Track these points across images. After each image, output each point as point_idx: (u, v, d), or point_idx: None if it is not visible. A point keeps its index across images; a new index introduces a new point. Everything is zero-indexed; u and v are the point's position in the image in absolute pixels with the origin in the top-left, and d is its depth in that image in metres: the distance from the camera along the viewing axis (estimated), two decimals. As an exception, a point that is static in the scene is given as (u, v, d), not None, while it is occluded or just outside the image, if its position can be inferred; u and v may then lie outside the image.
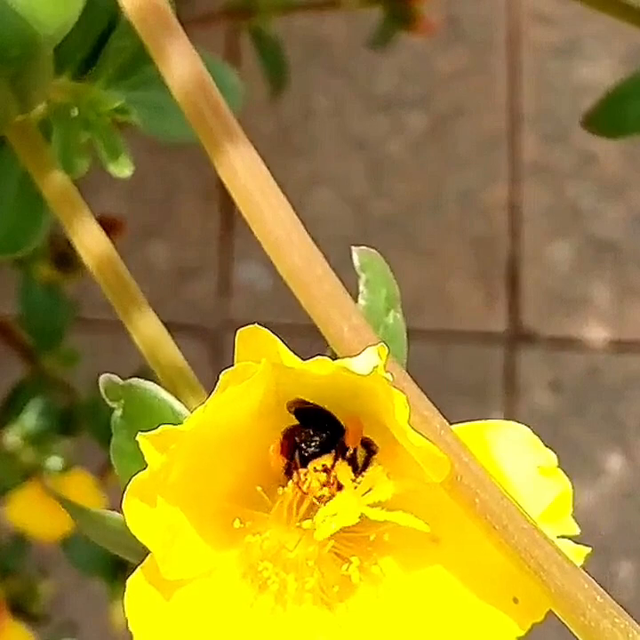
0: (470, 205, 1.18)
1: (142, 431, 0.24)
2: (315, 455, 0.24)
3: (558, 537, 0.23)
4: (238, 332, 0.22)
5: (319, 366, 0.22)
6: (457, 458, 0.23)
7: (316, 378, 0.23)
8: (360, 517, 0.24)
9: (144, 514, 0.22)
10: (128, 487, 0.22)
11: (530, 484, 0.24)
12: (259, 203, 0.26)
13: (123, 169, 0.34)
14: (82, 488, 0.77)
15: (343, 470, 0.24)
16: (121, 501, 0.25)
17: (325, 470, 0.24)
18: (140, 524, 0.22)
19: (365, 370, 0.22)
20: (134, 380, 0.26)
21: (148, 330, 0.29)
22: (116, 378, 0.26)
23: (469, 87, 1.20)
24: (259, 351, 0.22)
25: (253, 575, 0.24)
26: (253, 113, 1.08)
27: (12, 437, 0.74)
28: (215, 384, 0.22)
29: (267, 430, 0.25)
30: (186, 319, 1.07)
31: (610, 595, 0.21)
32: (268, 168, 0.27)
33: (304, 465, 0.24)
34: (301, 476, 0.24)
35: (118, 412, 0.26)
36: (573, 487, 0.24)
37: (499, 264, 1.17)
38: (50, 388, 0.77)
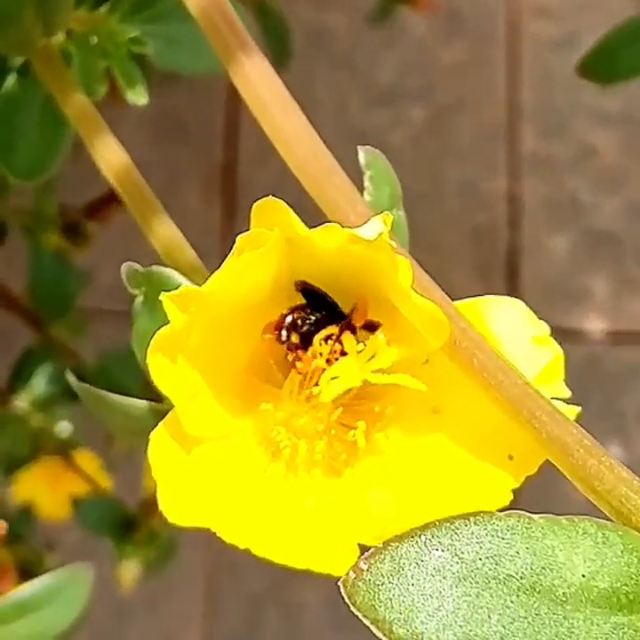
0: (470, 197, 1.19)
1: (163, 314, 0.25)
2: (320, 327, 0.25)
3: (552, 399, 0.25)
4: (254, 204, 0.24)
5: (329, 233, 0.24)
6: (456, 324, 0.24)
7: (324, 251, 0.25)
8: (363, 384, 0.25)
9: (166, 368, 0.24)
10: (151, 342, 0.24)
11: (525, 351, 0.26)
12: (270, 106, 0.28)
13: (139, 97, 0.36)
14: (87, 467, 0.79)
15: (348, 340, 0.25)
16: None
17: (331, 338, 0.25)
18: (163, 377, 0.24)
19: (372, 235, 0.23)
20: (154, 267, 0.28)
21: (164, 232, 0.31)
22: (137, 265, 0.28)
23: (469, 80, 1.22)
24: (273, 222, 0.24)
25: (267, 443, 0.26)
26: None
27: (22, 402, 0.76)
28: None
29: (277, 307, 0.26)
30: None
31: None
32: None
33: (311, 337, 0.26)
34: (311, 345, 0.25)
35: (140, 298, 0.28)
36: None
37: (498, 256, 1.18)
38: (58, 355, 0.78)
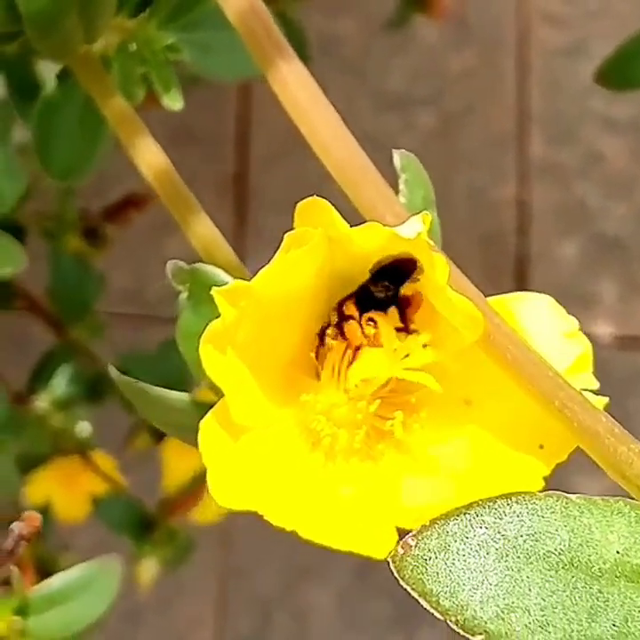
0: (479, 203, 1.20)
1: (206, 309, 0.26)
2: (368, 308, 0.27)
3: (581, 390, 0.26)
4: (298, 204, 0.25)
5: (371, 231, 0.25)
6: (489, 320, 0.26)
7: (364, 251, 0.26)
8: (394, 379, 0.27)
9: (216, 360, 0.25)
10: (203, 334, 0.25)
11: (555, 345, 0.27)
12: (307, 110, 0.29)
13: (175, 102, 0.37)
14: (104, 468, 0.80)
15: (387, 332, 0.27)
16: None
17: (372, 326, 0.27)
18: (214, 367, 0.25)
19: (411, 234, 0.25)
20: (199, 265, 0.29)
21: (203, 231, 0.32)
22: (182, 263, 0.29)
23: (479, 86, 1.23)
24: (316, 221, 0.25)
25: (308, 433, 0.27)
26: (264, 111, 1.11)
27: (42, 403, 0.77)
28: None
29: (320, 305, 0.27)
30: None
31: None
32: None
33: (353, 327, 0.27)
34: (348, 326, 0.27)
35: (184, 295, 0.29)
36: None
37: (507, 261, 1.19)
38: (77, 357, 0.80)
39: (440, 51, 1.23)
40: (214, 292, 0.25)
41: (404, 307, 0.27)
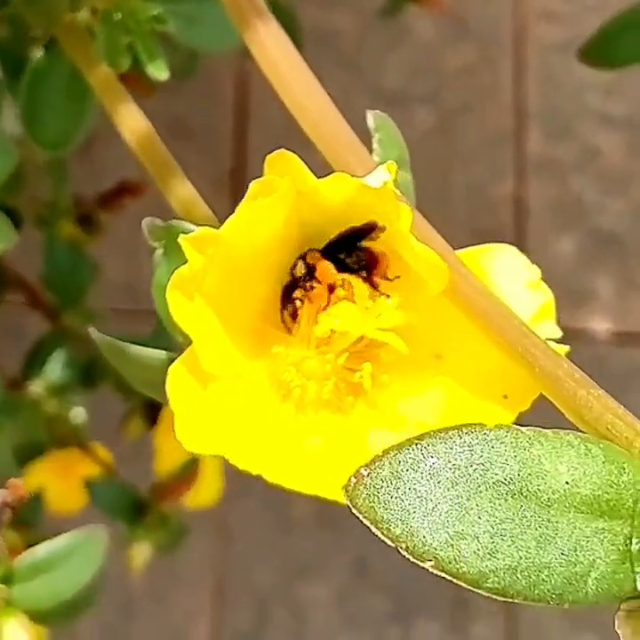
0: (476, 199, 1.21)
1: (180, 264, 0.27)
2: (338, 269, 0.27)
3: (545, 339, 0.26)
4: (267, 157, 0.26)
5: (338, 182, 0.25)
6: (456, 271, 0.26)
7: (331, 203, 0.27)
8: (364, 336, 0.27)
9: (184, 306, 0.25)
10: (171, 280, 0.25)
11: (519, 295, 0.28)
12: (283, 70, 0.30)
13: (160, 72, 0.38)
14: (97, 454, 0.80)
15: (360, 289, 0.27)
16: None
17: (344, 285, 0.27)
18: (182, 313, 0.26)
19: (377, 183, 0.25)
20: (174, 221, 0.30)
21: (181, 191, 0.33)
22: (158, 220, 0.30)
23: (476, 83, 1.23)
24: (284, 173, 0.26)
25: (278, 384, 0.28)
26: (262, 104, 1.12)
27: (37, 388, 0.78)
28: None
29: (287, 256, 0.28)
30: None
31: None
32: None
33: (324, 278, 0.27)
34: (320, 285, 0.27)
35: (160, 251, 0.30)
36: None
37: (504, 257, 1.19)
38: (71, 343, 0.80)
39: (437, 47, 1.23)
40: (181, 239, 0.25)
41: (371, 268, 0.27)
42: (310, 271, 0.27)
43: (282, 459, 0.26)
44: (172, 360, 0.31)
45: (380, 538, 0.21)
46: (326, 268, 0.27)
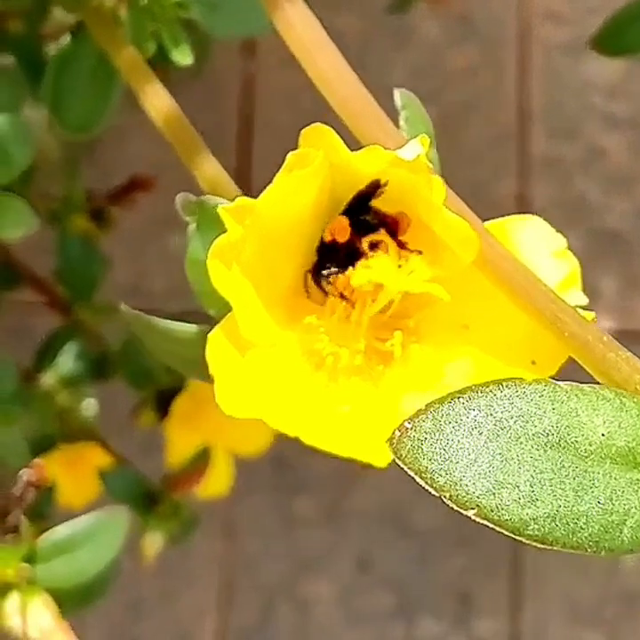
0: (481, 198, 1.21)
1: (213, 238, 0.28)
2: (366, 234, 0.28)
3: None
4: (302, 131, 0.27)
5: (372, 154, 0.26)
6: (485, 240, 0.27)
7: (365, 174, 0.27)
8: (399, 300, 0.28)
9: (223, 274, 0.26)
10: (211, 250, 0.26)
11: (545, 264, 0.29)
12: (311, 49, 0.31)
13: (184, 57, 0.39)
14: (102, 456, 0.81)
15: (392, 249, 0.28)
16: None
17: (376, 247, 0.28)
18: (221, 281, 0.26)
19: (411, 156, 0.26)
20: (206, 196, 0.30)
21: (209, 170, 0.33)
22: (191, 195, 0.30)
23: (480, 83, 1.24)
24: (319, 145, 0.26)
25: (311, 354, 0.29)
26: (269, 106, 1.13)
27: (49, 380, 0.78)
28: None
29: (320, 228, 0.29)
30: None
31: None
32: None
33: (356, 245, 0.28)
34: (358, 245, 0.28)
35: (193, 225, 0.30)
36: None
37: (508, 256, 1.20)
38: (83, 336, 0.81)
39: (441, 47, 1.24)
40: (220, 209, 0.26)
41: (395, 230, 0.28)
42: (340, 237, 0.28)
43: (316, 422, 0.27)
44: (201, 334, 0.32)
45: (421, 487, 0.21)
46: (351, 231, 0.28)
